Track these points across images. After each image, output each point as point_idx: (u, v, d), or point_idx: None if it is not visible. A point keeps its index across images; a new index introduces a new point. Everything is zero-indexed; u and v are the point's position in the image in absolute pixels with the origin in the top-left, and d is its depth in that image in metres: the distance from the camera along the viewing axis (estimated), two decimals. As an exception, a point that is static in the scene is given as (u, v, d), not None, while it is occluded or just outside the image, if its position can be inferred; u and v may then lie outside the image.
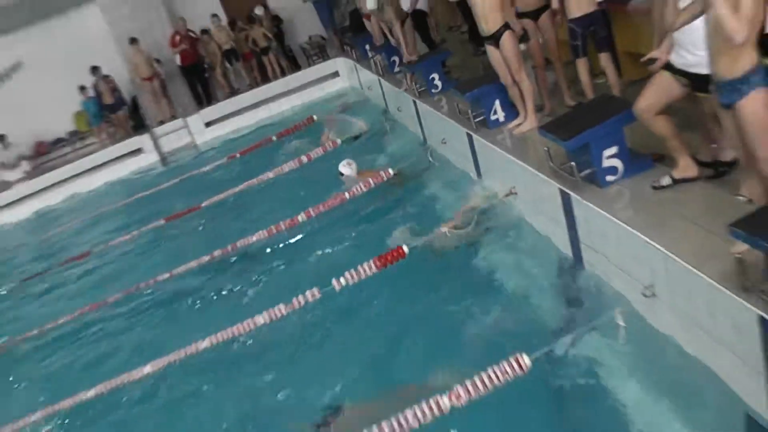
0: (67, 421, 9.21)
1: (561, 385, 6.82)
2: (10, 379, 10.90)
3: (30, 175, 22.99)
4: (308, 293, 8.80)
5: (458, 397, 6.08)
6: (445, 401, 6.09)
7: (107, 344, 10.88)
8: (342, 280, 8.74)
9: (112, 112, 23.39)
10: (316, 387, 7.99)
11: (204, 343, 8.88)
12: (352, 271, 8.72)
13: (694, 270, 5.87)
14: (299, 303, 8.79)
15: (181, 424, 8.49)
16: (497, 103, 10.28)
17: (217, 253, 11.80)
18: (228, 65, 23.42)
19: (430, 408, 6.09)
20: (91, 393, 8.95)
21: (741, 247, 5.49)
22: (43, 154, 24.61)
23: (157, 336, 10.50)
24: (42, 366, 11.04)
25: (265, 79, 23.16)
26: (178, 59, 22.78)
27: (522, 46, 9.79)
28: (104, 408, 9.11)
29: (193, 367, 9.00)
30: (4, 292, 15.10)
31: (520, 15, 9.80)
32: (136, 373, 8.95)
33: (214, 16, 23.13)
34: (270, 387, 8.41)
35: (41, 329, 11.79)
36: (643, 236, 6.51)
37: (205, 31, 22.96)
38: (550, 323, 7.59)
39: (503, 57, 9.50)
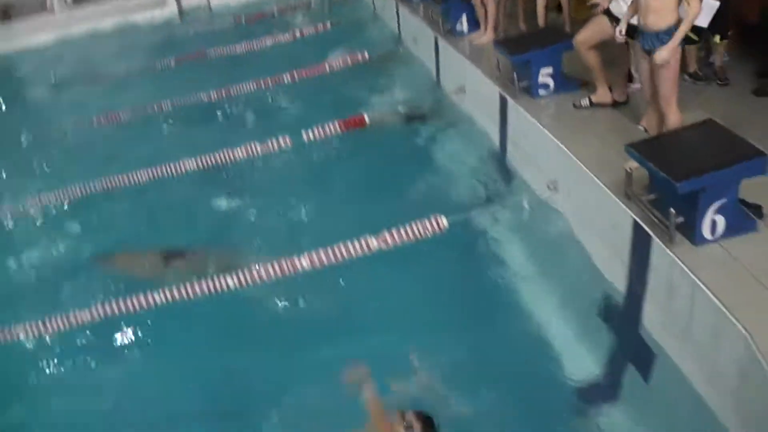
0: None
1: (468, 247, 7.00)
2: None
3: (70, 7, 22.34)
4: (281, 139, 8.80)
5: (385, 241, 6.20)
6: (374, 242, 6.21)
7: (109, 151, 10.80)
8: (311, 133, 8.73)
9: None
10: (273, 213, 8.14)
11: (191, 164, 8.94)
12: (320, 127, 8.70)
13: (591, 174, 6.03)
14: (272, 146, 8.81)
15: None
16: (464, 16, 10.21)
17: (213, 94, 11.74)
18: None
19: (361, 246, 6.20)
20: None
21: (632, 163, 5.63)
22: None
23: (154, 148, 10.44)
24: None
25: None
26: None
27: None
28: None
29: (180, 181, 9.07)
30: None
31: None
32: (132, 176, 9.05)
33: None
34: (235, 208, 8.49)
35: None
36: (556, 140, 6.66)
37: None
38: (472, 197, 7.76)
39: None
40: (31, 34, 19.89)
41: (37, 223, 8.88)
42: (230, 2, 20.55)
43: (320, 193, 8.33)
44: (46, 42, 19.51)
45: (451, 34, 10.32)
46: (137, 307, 6.59)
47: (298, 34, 14.01)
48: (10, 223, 8.86)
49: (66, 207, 9.07)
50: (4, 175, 10.27)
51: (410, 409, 4.68)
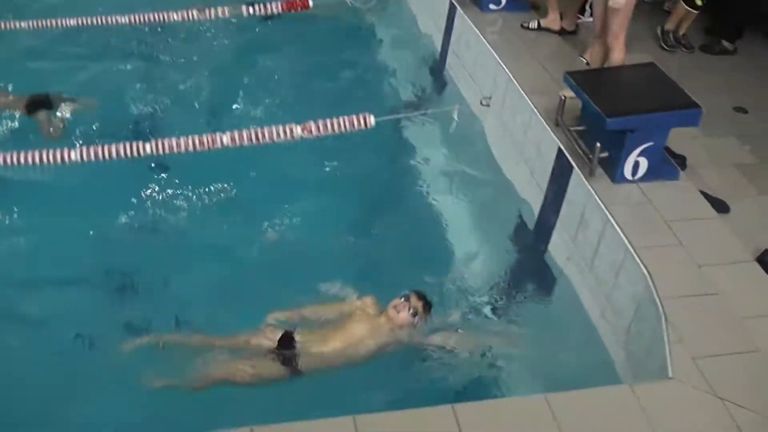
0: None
1: (390, 150, 6.91)
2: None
3: None
4: (220, 9, 8.28)
5: (309, 130, 6.03)
6: (298, 130, 6.03)
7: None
8: (251, 8, 8.34)
9: None
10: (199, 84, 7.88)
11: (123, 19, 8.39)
12: (262, 4, 8.33)
13: (526, 96, 5.96)
14: (210, 14, 8.37)
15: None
16: None
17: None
18: None
19: (285, 132, 6.02)
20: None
21: (568, 92, 5.58)
22: None
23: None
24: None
25: None
26: None
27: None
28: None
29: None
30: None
31: None
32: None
33: None
34: (157, 71, 8.17)
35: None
36: (497, 56, 6.54)
37: None
38: (404, 99, 7.63)
39: None
40: None
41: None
42: None
43: (251, 72, 8.02)
44: None
45: None
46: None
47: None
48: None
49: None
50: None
51: (410, 292, 4.65)
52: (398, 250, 5.80)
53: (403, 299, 4.60)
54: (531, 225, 5.69)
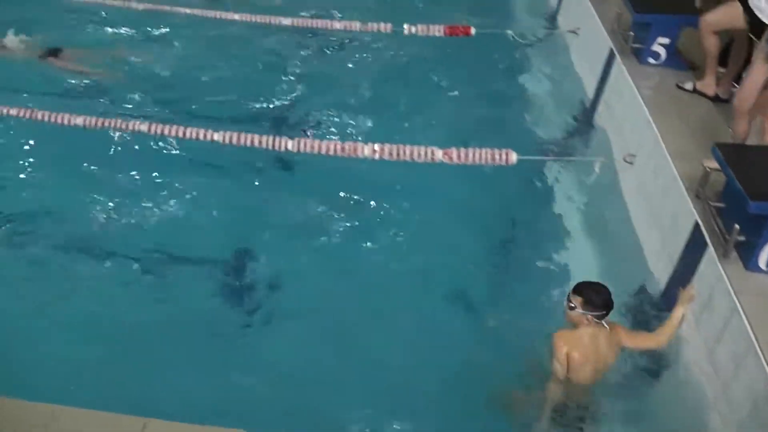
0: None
1: (527, 190, 6.78)
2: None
3: None
4: (383, 24, 8.51)
5: (450, 157, 5.99)
6: (439, 154, 6.00)
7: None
8: (413, 28, 8.40)
9: None
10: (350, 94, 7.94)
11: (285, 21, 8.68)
12: (425, 25, 8.35)
13: (670, 160, 5.72)
14: (371, 27, 8.54)
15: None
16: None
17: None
18: None
19: (426, 153, 6.01)
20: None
21: (713, 164, 5.30)
22: None
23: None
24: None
25: None
26: None
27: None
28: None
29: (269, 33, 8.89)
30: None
31: None
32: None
33: None
34: (313, 73, 8.36)
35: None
36: (648, 114, 6.32)
37: None
38: (549, 141, 7.45)
39: None
40: None
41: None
42: None
43: (403, 89, 8.07)
44: None
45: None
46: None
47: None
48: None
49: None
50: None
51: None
52: (515, 290, 5.70)
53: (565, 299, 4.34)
54: (655, 293, 5.44)
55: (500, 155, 5.97)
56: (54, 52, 8.34)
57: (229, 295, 5.56)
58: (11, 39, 8.44)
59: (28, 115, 6.72)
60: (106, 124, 6.63)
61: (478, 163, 5.95)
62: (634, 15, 7.43)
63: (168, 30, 9.17)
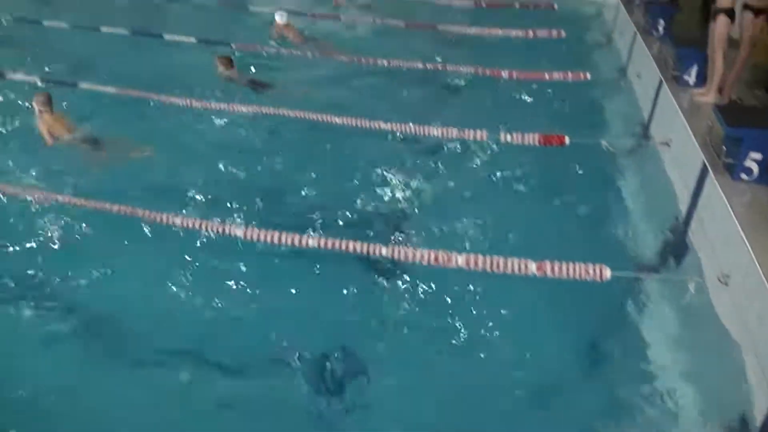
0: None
1: (620, 308, 6.57)
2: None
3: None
4: (479, 132, 8.52)
5: (543, 270, 5.86)
6: (532, 267, 5.90)
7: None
8: (508, 136, 8.39)
9: None
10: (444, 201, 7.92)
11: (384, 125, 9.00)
12: (520, 133, 8.32)
13: (766, 281, 5.40)
14: (467, 134, 8.58)
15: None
16: (695, 67, 9.48)
17: (429, 66, 11.65)
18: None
19: (519, 265, 5.90)
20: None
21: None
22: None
23: (354, 98, 10.53)
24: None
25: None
26: None
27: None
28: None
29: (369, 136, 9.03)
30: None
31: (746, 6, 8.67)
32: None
33: None
34: (407, 181, 8.29)
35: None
36: (742, 233, 6.02)
37: None
38: (642, 258, 7.27)
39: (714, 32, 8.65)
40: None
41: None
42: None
43: (497, 197, 8.09)
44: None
45: (677, 81, 9.64)
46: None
47: (531, 33, 13.46)
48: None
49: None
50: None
51: None
52: (603, 411, 5.50)
53: None
54: (753, 428, 5.09)
55: (593, 270, 5.85)
56: (96, 141, 8.86)
57: (325, 392, 5.63)
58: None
59: (129, 213, 7.06)
60: (203, 226, 6.93)
61: (571, 277, 5.82)
62: (725, 129, 7.26)
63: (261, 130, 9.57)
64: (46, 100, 8.80)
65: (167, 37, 12.94)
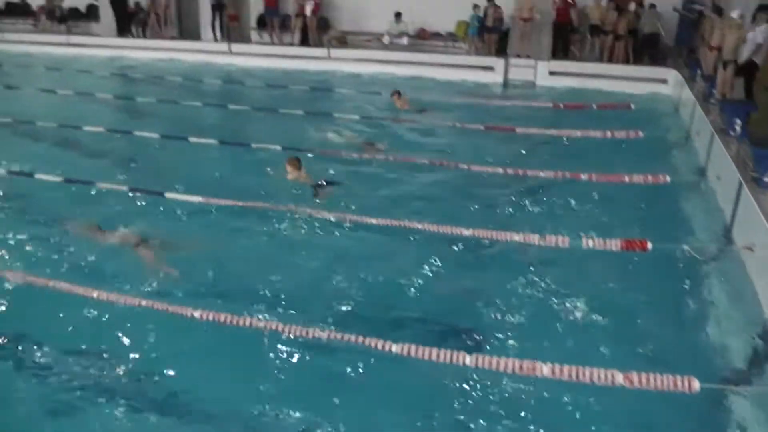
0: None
1: (710, 423, 6.37)
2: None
3: (408, 49, 23.93)
4: (560, 237, 8.59)
5: (630, 381, 5.78)
6: (619, 378, 5.81)
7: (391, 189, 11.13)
8: (590, 241, 8.40)
9: (487, 33, 23.21)
10: (526, 307, 7.85)
11: (465, 231, 9.06)
12: (601, 239, 8.33)
13: None
14: (548, 240, 8.65)
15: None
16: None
17: (509, 170, 11.75)
18: (588, 37, 22.43)
19: (605, 376, 5.84)
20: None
21: None
22: (422, 39, 25.10)
23: (431, 200, 10.69)
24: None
25: (610, 59, 21.87)
26: (554, 15, 22.22)
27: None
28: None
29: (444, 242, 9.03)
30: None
31: None
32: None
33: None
34: (485, 288, 8.24)
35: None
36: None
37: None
38: (729, 369, 7.04)
39: None
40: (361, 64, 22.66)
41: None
42: (556, 84, 20.65)
43: (579, 305, 7.93)
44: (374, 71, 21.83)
45: (757, 183, 9.53)
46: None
47: (609, 134, 13.56)
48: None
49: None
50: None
51: None
52: None
53: None
54: None
55: (682, 382, 5.71)
56: (145, 241, 9.11)
57: None
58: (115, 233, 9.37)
59: (211, 318, 7.14)
60: (282, 329, 6.98)
61: (659, 389, 5.72)
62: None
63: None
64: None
65: (254, 145, 13.51)
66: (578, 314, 7.76)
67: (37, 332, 7.36)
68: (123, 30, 27.95)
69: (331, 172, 11.93)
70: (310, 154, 12.73)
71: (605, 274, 8.58)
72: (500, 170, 11.81)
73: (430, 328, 7.62)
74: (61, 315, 7.60)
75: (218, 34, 26.67)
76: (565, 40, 22.47)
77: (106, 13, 28.05)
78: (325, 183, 11.19)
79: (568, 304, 7.88)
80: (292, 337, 6.98)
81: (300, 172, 11.21)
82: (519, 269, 8.64)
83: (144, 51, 26.37)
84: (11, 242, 9.28)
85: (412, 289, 8.34)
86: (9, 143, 14.73)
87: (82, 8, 29.54)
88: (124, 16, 27.73)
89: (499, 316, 7.77)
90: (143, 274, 8.39)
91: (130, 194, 10.96)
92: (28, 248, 9.09)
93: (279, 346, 7.08)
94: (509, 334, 7.45)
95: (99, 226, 9.36)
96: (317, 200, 10.65)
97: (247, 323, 7.14)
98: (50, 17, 30.12)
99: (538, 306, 7.96)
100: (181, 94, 19.56)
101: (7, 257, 8.85)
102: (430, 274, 8.66)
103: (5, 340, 7.39)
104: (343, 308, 7.90)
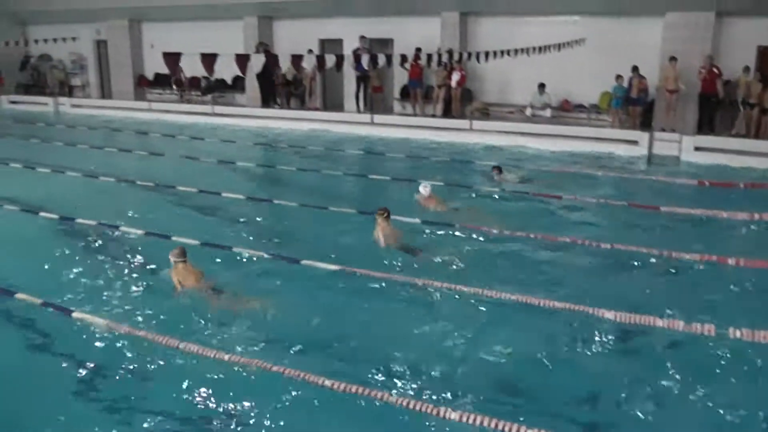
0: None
1: None
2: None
3: (550, 121, 24.08)
4: (706, 326, 8.43)
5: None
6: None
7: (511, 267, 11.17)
8: (737, 331, 8.22)
9: (631, 105, 23.02)
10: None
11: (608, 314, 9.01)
12: (749, 330, 8.13)
13: None
14: (695, 328, 8.53)
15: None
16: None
17: (655, 252, 11.58)
18: (741, 108, 21.64)
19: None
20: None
21: None
22: (565, 110, 25.17)
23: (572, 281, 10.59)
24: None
25: (756, 134, 21.13)
26: (699, 87, 21.87)
27: None
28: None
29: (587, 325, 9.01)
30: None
31: None
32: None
33: (746, 68, 21.69)
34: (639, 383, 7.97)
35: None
36: None
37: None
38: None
39: None
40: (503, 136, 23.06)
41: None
42: (701, 160, 20.28)
43: (724, 403, 7.48)
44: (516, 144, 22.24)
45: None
46: None
47: (756, 216, 13.23)
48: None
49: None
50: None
51: None
52: None
53: None
54: None
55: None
56: (218, 292, 9.73)
57: None
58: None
59: (323, 383, 7.40)
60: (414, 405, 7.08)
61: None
62: None
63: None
64: (181, 253, 9.99)
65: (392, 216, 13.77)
66: (720, 412, 7.35)
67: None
68: (268, 101, 29.18)
69: (468, 248, 12.09)
70: (451, 226, 12.98)
71: (754, 368, 8.13)
72: (644, 250, 11.62)
73: (571, 418, 7.32)
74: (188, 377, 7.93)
75: (361, 105, 27.47)
76: (711, 112, 21.97)
77: (252, 85, 29.32)
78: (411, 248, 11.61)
79: (714, 397, 7.55)
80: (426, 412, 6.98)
81: (388, 225, 11.92)
82: (663, 358, 8.36)
83: (288, 121, 27.45)
84: (142, 301, 9.85)
85: (549, 372, 8.15)
86: (150, 206, 15.57)
87: (228, 80, 30.99)
88: (269, 87, 28.94)
89: (631, 407, 7.44)
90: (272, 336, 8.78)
91: (267, 259, 11.38)
92: (162, 311, 9.54)
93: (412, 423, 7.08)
94: (644, 425, 7.19)
95: (214, 288, 9.98)
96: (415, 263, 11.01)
97: (379, 396, 7.26)
98: (196, 88, 31.94)
99: (677, 397, 7.64)
100: (323, 164, 20.27)
101: (140, 317, 9.34)
102: (567, 357, 8.46)
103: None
104: (472, 388, 7.72)
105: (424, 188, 14.36)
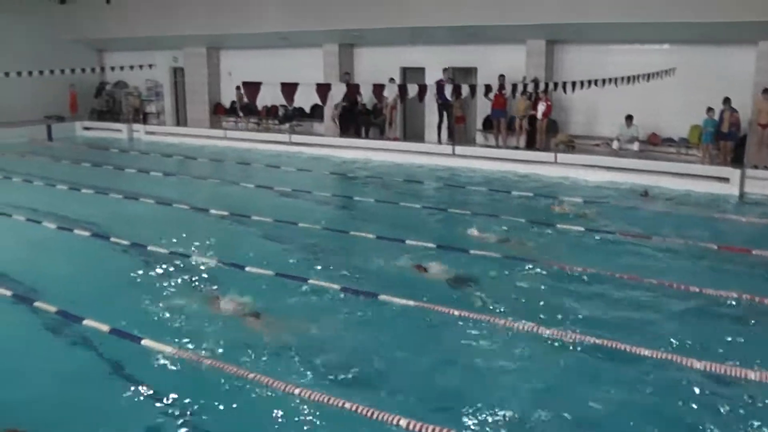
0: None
1: None
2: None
3: (639, 156, 23.57)
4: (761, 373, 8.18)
5: None
6: None
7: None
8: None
9: (722, 140, 22.26)
10: None
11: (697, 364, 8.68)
12: None
13: None
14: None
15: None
16: None
17: (745, 296, 11.24)
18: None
19: None
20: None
21: None
22: (653, 144, 24.60)
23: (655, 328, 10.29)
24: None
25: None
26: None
27: None
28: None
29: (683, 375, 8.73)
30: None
31: None
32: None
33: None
34: None
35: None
36: None
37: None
38: None
39: None
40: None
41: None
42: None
43: None
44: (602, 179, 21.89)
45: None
46: None
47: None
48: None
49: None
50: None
51: None
52: None
53: None
54: None
55: None
56: (256, 315, 9.93)
57: None
58: (227, 301, 10.31)
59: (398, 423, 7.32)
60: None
61: None
62: None
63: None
64: None
65: (472, 251, 13.76)
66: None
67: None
68: (346, 130, 29.26)
69: (542, 286, 11.91)
70: (529, 265, 12.79)
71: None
72: (734, 295, 11.21)
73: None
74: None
75: (443, 135, 27.28)
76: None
77: (331, 114, 29.45)
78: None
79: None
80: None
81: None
82: (753, 414, 7.97)
83: (366, 151, 27.39)
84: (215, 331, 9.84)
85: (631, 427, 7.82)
86: (224, 236, 15.81)
87: (307, 108, 31.26)
88: (350, 117, 29.09)
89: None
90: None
91: (342, 294, 11.33)
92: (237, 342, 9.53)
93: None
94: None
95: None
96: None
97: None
98: (274, 116, 32.21)
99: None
100: (401, 196, 20.21)
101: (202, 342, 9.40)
102: (651, 412, 8.10)
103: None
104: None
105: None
